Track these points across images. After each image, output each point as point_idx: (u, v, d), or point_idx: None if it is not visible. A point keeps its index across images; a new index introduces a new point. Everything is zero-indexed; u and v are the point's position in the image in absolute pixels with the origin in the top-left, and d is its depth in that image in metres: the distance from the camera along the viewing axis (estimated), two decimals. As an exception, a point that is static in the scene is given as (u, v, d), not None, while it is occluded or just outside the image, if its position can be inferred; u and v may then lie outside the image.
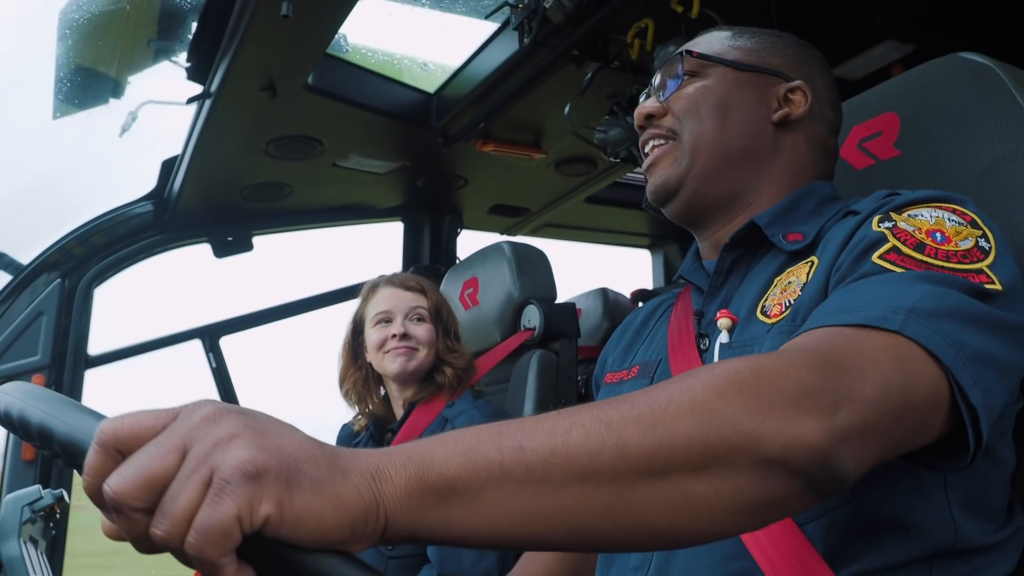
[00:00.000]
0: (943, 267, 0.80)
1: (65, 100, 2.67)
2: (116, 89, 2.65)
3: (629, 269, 4.27)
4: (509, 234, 3.65)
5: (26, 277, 2.80)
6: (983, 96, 1.07)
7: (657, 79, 1.15)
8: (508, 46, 2.30)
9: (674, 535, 0.60)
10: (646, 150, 1.13)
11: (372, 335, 2.07)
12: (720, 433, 0.59)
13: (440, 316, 2.10)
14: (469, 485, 0.55)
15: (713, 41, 1.14)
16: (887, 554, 0.82)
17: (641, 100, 1.18)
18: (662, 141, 1.11)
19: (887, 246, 0.83)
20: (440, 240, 3.38)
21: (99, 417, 0.58)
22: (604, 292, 3.13)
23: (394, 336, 2.02)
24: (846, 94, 1.27)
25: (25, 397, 0.61)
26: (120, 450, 0.53)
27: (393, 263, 3.39)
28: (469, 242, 3.46)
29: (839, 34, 2.25)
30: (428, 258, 3.35)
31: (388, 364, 2.04)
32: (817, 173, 1.11)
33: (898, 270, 0.80)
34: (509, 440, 0.57)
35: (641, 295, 3.26)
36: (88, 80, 2.66)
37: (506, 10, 2.18)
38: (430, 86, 2.69)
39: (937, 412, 0.71)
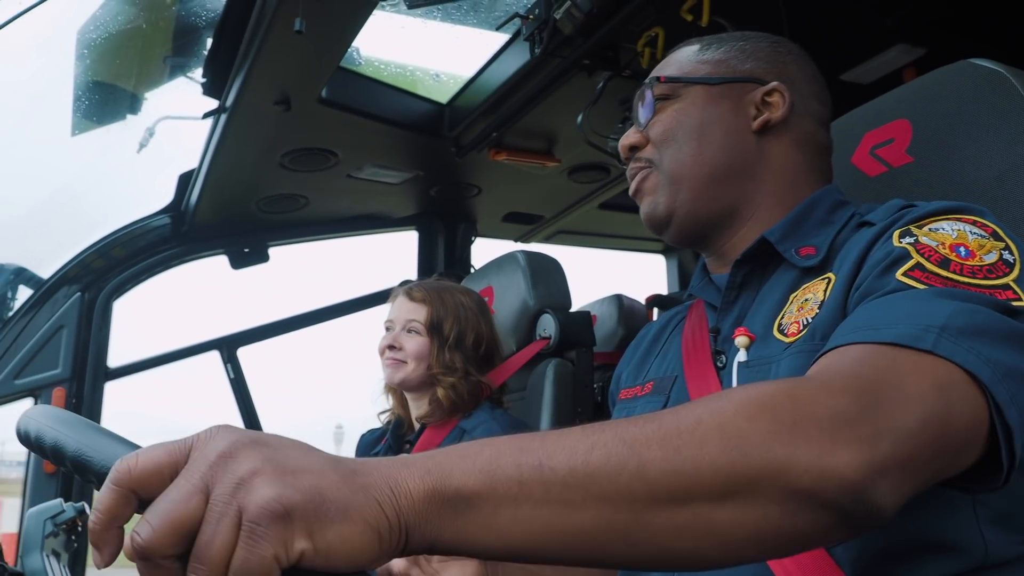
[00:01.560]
0: (969, 284, 0.78)
1: (84, 117, 2.70)
2: (133, 105, 2.68)
3: (644, 274, 4.27)
4: (523, 241, 3.66)
5: (47, 291, 2.83)
6: (995, 102, 1.06)
7: (635, 108, 1.13)
8: (519, 56, 2.31)
9: (694, 561, 0.58)
10: (631, 181, 1.13)
11: (381, 341, 2.09)
12: (747, 460, 0.56)
13: (439, 329, 2.03)
14: (486, 501, 0.55)
15: (682, 60, 1.13)
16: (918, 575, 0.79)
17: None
18: (643, 172, 1.10)
19: (911, 263, 0.81)
20: (455, 248, 3.40)
21: (125, 443, 0.59)
22: (619, 298, 3.12)
23: (388, 346, 2.04)
24: (858, 98, 1.27)
25: (54, 424, 0.61)
26: (135, 490, 0.53)
27: (408, 272, 3.42)
28: (484, 250, 3.48)
29: (851, 38, 2.25)
30: (443, 266, 3.36)
31: (383, 372, 2.07)
32: (813, 172, 1.09)
33: (922, 287, 0.78)
34: (529, 457, 0.56)
35: (656, 301, 3.24)
36: (106, 97, 2.69)
37: (517, 21, 2.19)
38: (443, 97, 2.71)
39: (976, 436, 0.68)
